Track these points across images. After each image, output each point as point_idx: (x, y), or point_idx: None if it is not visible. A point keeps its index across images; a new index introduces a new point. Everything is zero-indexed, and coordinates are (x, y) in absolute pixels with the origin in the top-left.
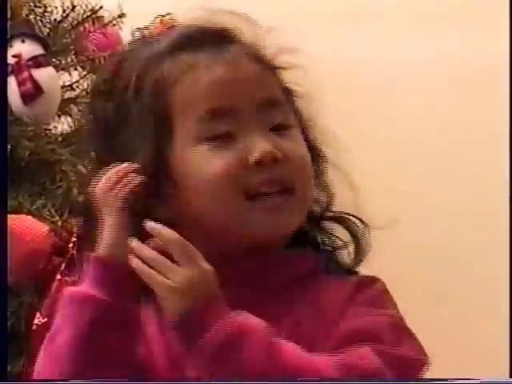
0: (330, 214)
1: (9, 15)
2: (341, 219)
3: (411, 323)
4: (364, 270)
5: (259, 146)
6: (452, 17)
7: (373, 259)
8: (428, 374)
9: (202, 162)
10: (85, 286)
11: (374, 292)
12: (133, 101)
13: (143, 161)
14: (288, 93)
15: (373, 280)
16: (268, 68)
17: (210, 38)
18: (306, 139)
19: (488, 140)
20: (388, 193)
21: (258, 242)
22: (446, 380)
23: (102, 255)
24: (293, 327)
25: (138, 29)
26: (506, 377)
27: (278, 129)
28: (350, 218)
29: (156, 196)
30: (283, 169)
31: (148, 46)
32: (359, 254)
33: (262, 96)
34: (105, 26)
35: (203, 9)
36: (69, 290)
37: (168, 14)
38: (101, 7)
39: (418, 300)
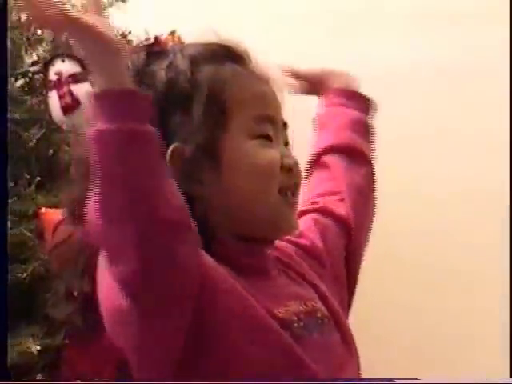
0: None
1: (50, 38)
2: None
3: (411, 323)
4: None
5: (290, 155)
6: (452, 17)
7: (373, 260)
8: (428, 374)
9: (253, 153)
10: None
11: None
12: (189, 90)
13: (196, 141)
14: None
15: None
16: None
17: (234, 55)
18: None
19: (488, 140)
20: (388, 193)
21: (279, 233)
22: (447, 380)
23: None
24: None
25: (156, 37)
26: (506, 377)
27: (287, 145)
28: None
29: (195, 176)
30: (297, 177)
31: (181, 49)
32: None
33: (282, 116)
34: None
35: (215, 33)
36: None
37: (174, 31)
38: (129, 32)
39: (417, 299)
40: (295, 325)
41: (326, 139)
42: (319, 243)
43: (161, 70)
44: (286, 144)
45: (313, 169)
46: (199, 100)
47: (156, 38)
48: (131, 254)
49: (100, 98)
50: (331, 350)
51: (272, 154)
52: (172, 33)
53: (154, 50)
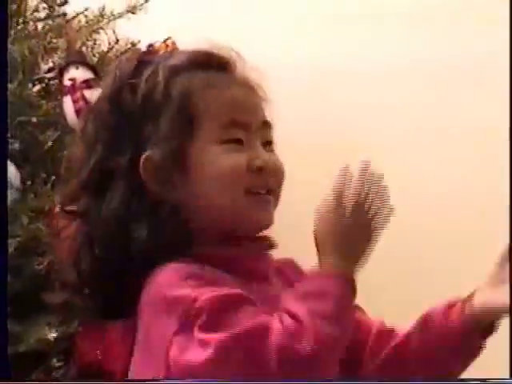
0: None
1: (65, 46)
2: None
3: (410, 324)
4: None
5: (262, 156)
6: (452, 17)
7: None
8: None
9: (217, 159)
10: None
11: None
12: (161, 100)
13: (164, 148)
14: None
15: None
16: (260, 94)
17: (218, 63)
18: None
19: (488, 140)
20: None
21: (249, 230)
22: (446, 380)
23: None
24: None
25: (149, 45)
26: (506, 377)
27: (268, 144)
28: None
29: (168, 180)
30: (272, 176)
31: (166, 58)
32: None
33: (263, 118)
34: None
35: (208, 41)
36: None
37: (169, 37)
38: (139, 41)
39: (417, 299)
40: None
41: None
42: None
43: (142, 81)
44: (267, 143)
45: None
46: (168, 110)
47: (149, 46)
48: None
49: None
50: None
51: (235, 158)
52: (165, 40)
53: (145, 58)
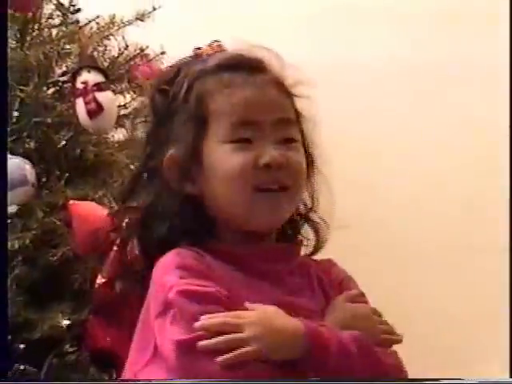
0: (311, 216)
1: (77, 52)
2: (314, 223)
3: (410, 324)
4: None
5: (269, 153)
6: (451, 17)
7: (377, 257)
8: (428, 374)
9: (225, 158)
10: None
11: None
12: (182, 103)
13: (184, 147)
14: (298, 115)
15: (329, 260)
16: (286, 94)
17: (246, 65)
18: (305, 152)
19: (488, 140)
20: (388, 193)
21: (259, 228)
22: (447, 380)
23: None
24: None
25: (197, 48)
26: (506, 377)
27: (287, 142)
28: (320, 222)
29: (188, 175)
30: (283, 172)
31: (199, 62)
32: (319, 248)
33: (278, 116)
34: (150, 61)
35: (244, 42)
36: None
37: (217, 40)
38: (147, 46)
39: (417, 300)
40: None
41: None
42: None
43: (174, 85)
44: (286, 140)
45: None
46: (187, 112)
47: (195, 50)
48: None
49: None
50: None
51: (242, 156)
52: (211, 43)
53: (186, 63)
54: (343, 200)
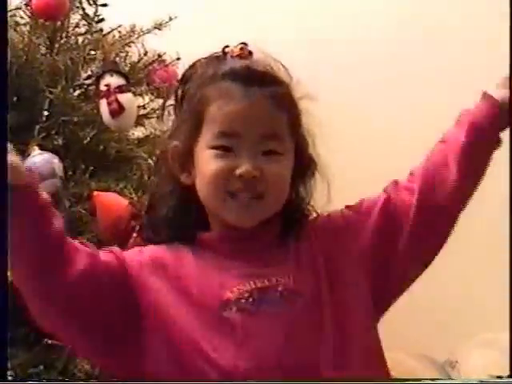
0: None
1: (101, 57)
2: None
3: (411, 325)
4: None
5: (245, 165)
6: (451, 17)
7: None
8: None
9: (207, 162)
10: None
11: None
12: (188, 102)
13: (183, 142)
14: (294, 127)
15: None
16: (281, 109)
17: (247, 77)
18: (302, 159)
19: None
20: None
21: (235, 226)
22: (447, 380)
23: None
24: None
25: (226, 47)
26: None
27: (269, 154)
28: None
29: (185, 167)
30: (257, 183)
31: (212, 65)
32: None
33: (263, 129)
34: (167, 65)
35: (260, 51)
36: None
37: (244, 43)
38: (164, 53)
39: (417, 299)
40: (243, 301)
41: (451, 135)
42: (352, 224)
43: (188, 85)
44: (269, 152)
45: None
46: (189, 112)
47: (223, 49)
48: None
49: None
50: (282, 319)
51: (220, 163)
52: (237, 45)
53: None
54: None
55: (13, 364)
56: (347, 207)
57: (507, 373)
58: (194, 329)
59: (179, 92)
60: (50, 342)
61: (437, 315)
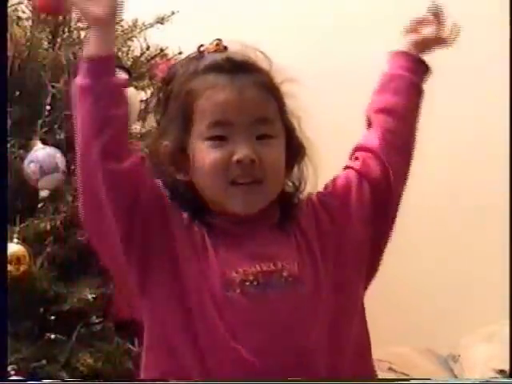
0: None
1: None
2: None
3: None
4: None
5: (241, 150)
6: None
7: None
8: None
9: (204, 154)
10: None
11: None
12: (175, 99)
13: (174, 140)
14: (282, 111)
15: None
16: (268, 94)
17: (231, 66)
18: (292, 142)
19: (488, 141)
20: None
21: (236, 213)
22: (448, 380)
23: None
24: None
25: (201, 45)
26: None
27: (262, 138)
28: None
29: (179, 165)
30: (256, 168)
31: (196, 62)
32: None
33: (254, 116)
34: (168, 60)
35: (237, 43)
36: None
37: (218, 39)
38: (166, 47)
39: (420, 295)
40: (247, 283)
41: (379, 101)
42: (338, 201)
43: (172, 83)
44: (262, 136)
45: (366, 126)
46: (177, 108)
47: (198, 48)
48: None
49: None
50: (286, 304)
51: (216, 153)
52: (212, 41)
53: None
54: None
55: (16, 358)
56: (325, 188)
57: (509, 366)
58: (199, 301)
59: (162, 94)
60: (52, 336)
61: (439, 310)
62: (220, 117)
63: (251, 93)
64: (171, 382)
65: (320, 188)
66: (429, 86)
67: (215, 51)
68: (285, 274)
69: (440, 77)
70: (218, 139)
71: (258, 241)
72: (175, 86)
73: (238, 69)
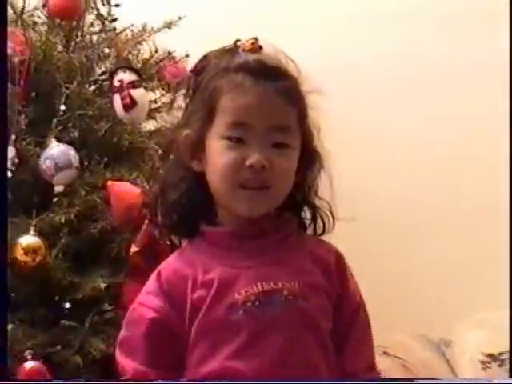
0: (311, 200)
1: (115, 55)
2: (314, 206)
3: (410, 307)
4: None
5: (255, 155)
6: (451, 17)
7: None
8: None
9: (219, 153)
10: None
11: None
12: (201, 92)
13: (195, 131)
14: (302, 121)
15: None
16: (290, 102)
17: (259, 70)
18: (307, 151)
19: (488, 141)
20: (388, 193)
21: (240, 215)
22: (448, 380)
23: None
24: (296, 273)
25: (237, 40)
26: (505, 377)
27: (278, 146)
28: (321, 207)
29: (196, 155)
30: (266, 173)
31: (225, 57)
32: (321, 229)
33: (273, 122)
34: (176, 62)
35: (271, 46)
36: None
37: (255, 38)
38: (174, 50)
39: (413, 288)
40: (248, 304)
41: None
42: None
43: (202, 75)
44: (277, 145)
45: None
46: (202, 102)
47: (234, 42)
48: None
49: None
50: (284, 322)
51: (231, 155)
52: (249, 39)
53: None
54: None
55: (32, 344)
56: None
57: (498, 351)
58: (206, 331)
59: (191, 82)
60: (67, 323)
61: (433, 299)
62: (239, 118)
63: (273, 99)
64: (171, 382)
65: (336, 199)
66: (429, 85)
67: (250, 50)
68: (285, 292)
69: (440, 77)
70: (235, 141)
71: (263, 254)
72: (204, 79)
73: (266, 73)
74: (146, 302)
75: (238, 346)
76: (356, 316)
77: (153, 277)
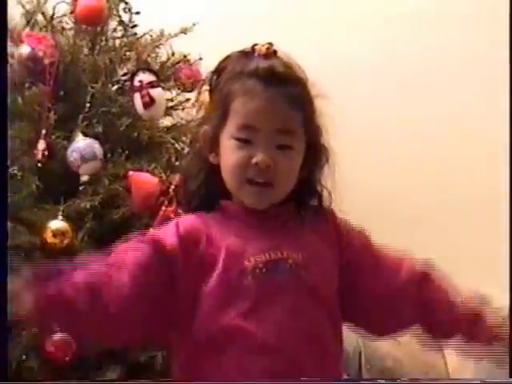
0: (315, 190)
1: (135, 57)
2: (319, 196)
3: None
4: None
5: (261, 155)
6: (451, 17)
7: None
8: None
9: (230, 151)
10: None
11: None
12: (218, 94)
13: (212, 128)
14: (307, 124)
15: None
16: (296, 107)
17: (271, 76)
18: (311, 151)
19: (488, 141)
20: (389, 192)
21: (251, 208)
22: (448, 380)
23: None
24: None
25: (254, 45)
26: (505, 377)
27: (282, 148)
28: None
29: (213, 150)
30: (270, 172)
31: (242, 61)
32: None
33: (279, 126)
34: (191, 64)
35: (284, 54)
36: None
37: (270, 43)
38: (188, 54)
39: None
40: (257, 271)
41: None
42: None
43: (220, 77)
44: (281, 147)
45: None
46: (219, 102)
47: (252, 46)
48: None
49: None
50: (290, 288)
51: (239, 154)
52: (264, 44)
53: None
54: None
55: None
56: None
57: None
58: (217, 292)
59: (213, 81)
60: None
61: None
62: (248, 121)
63: (280, 104)
64: (171, 382)
65: (337, 191)
66: (429, 85)
67: (264, 55)
68: (290, 261)
69: (441, 77)
70: (244, 141)
71: (273, 231)
72: (221, 81)
73: (276, 79)
74: (162, 235)
75: (247, 309)
76: (371, 248)
77: (170, 225)
